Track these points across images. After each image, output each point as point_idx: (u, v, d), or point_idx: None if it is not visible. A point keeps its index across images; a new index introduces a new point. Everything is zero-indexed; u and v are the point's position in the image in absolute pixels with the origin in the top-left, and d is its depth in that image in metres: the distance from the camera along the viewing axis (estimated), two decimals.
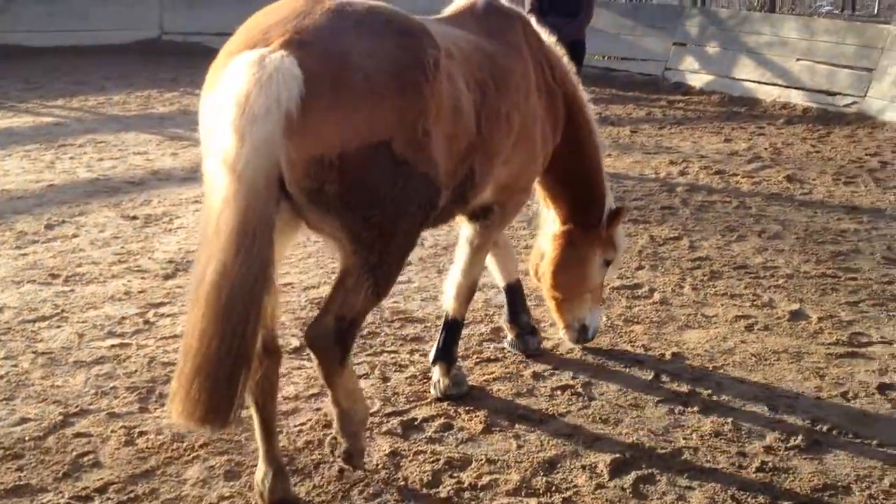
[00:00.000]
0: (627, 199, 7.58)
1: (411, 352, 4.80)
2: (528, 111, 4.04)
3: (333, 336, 3.23)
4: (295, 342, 4.77)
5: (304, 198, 3.02)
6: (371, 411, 4.14)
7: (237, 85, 2.81)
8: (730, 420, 4.16)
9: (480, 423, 4.11)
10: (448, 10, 4.23)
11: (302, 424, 4.05)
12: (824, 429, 4.11)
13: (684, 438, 4.02)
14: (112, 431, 3.94)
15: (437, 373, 4.38)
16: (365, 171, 3.00)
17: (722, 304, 5.51)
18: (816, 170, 8.76)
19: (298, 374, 4.50)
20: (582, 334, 4.76)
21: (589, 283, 4.71)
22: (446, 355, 4.37)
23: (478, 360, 4.74)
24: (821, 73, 11.70)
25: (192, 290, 2.90)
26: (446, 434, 4.02)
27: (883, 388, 4.49)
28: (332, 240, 3.24)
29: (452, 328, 4.41)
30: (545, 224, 4.81)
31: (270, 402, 3.36)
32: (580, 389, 4.45)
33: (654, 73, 13.93)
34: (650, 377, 4.59)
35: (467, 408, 4.23)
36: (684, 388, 4.47)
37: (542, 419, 4.17)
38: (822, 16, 16.11)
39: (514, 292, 4.84)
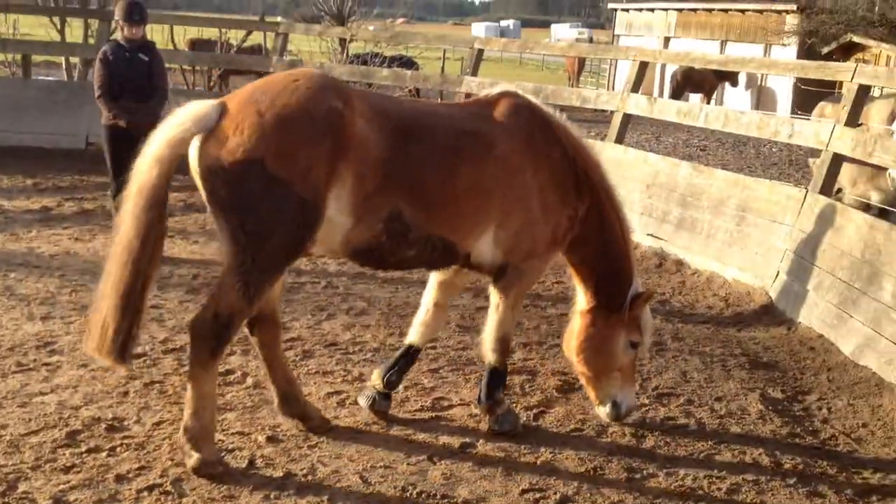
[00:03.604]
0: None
1: None
2: (517, 183, 4.65)
3: (210, 326, 4.07)
4: None
5: (205, 197, 4.07)
6: None
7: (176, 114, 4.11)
8: (325, 498, 4.15)
9: None
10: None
11: None
12: (414, 494, 4.26)
13: None
14: None
15: (483, 414, 4.98)
16: (241, 180, 3.98)
17: (315, 382, 5.55)
18: None
19: None
20: (615, 411, 4.96)
21: (614, 362, 4.93)
22: (488, 398, 4.93)
23: (52, 469, 4.24)
24: None
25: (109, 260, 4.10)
26: None
27: (464, 448, 4.78)
28: (220, 237, 4.12)
29: (494, 375, 4.94)
30: (577, 302, 5.11)
31: (269, 351, 4.71)
32: (170, 488, 4.16)
33: None
34: (245, 465, 4.43)
35: None
36: (280, 473, 4.38)
37: None
38: None
39: (411, 357, 5.23)
